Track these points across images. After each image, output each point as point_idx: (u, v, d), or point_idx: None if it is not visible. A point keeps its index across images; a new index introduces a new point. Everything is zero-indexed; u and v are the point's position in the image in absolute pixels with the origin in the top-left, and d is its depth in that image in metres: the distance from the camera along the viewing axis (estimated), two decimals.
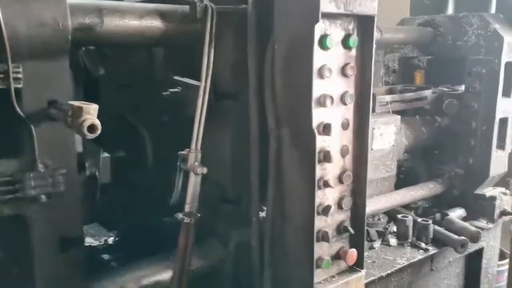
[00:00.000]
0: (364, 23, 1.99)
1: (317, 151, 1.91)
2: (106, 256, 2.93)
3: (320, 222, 2.01)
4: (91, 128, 1.44)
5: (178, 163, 1.99)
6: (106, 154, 1.98)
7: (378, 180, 3.14)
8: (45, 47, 1.68)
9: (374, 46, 2.02)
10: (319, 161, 1.96)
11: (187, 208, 1.97)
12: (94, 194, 1.94)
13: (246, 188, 2.16)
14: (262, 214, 2.18)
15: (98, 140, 2.33)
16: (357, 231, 2.10)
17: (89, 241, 3.01)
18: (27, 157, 1.71)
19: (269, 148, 2.05)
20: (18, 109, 1.65)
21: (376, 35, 2.03)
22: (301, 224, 2.01)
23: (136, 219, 2.61)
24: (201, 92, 1.98)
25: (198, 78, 2.00)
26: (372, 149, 3.00)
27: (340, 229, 2.08)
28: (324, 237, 2.02)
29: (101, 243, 3.08)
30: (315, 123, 1.91)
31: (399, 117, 3.17)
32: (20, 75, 1.64)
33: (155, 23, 1.99)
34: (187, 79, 2.23)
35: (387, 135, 3.10)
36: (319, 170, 1.96)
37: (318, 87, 1.90)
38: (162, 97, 2.27)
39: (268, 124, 2.04)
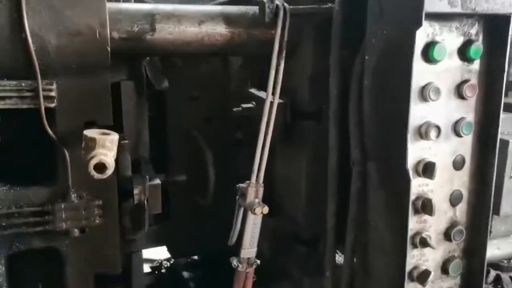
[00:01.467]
0: (494, 26, 1.45)
1: (412, 198, 1.47)
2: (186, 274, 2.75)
3: None
4: (99, 167, 1.16)
5: (237, 197, 1.64)
6: (156, 181, 1.72)
7: None
8: (81, 60, 1.45)
9: (508, 56, 1.45)
10: (416, 212, 1.50)
11: (243, 254, 1.62)
12: (142, 226, 1.70)
13: (323, 228, 1.75)
14: (340, 261, 1.75)
15: (161, 159, 2.12)
16: None
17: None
18: (59, 185, 1.51)
19: (351, 184, 1.62)
20: (49, 131, 1.46)
21: None
22: None
23: (204, 247, 2.35)
24: (265, 110, 1.60)
25: None
26: (511, 177, 2.44)
27: None
28: None
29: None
30: (411, 160, 1.45)
31: None
32: (53, 93, 1.44)
33: (218, 29, 1.66)
34: (263, 93, 1.87)
35: None
36: (415, 223, 1.50)
37: (419, 113, 1.45)
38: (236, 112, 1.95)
39: (351, 155, 1.61)
